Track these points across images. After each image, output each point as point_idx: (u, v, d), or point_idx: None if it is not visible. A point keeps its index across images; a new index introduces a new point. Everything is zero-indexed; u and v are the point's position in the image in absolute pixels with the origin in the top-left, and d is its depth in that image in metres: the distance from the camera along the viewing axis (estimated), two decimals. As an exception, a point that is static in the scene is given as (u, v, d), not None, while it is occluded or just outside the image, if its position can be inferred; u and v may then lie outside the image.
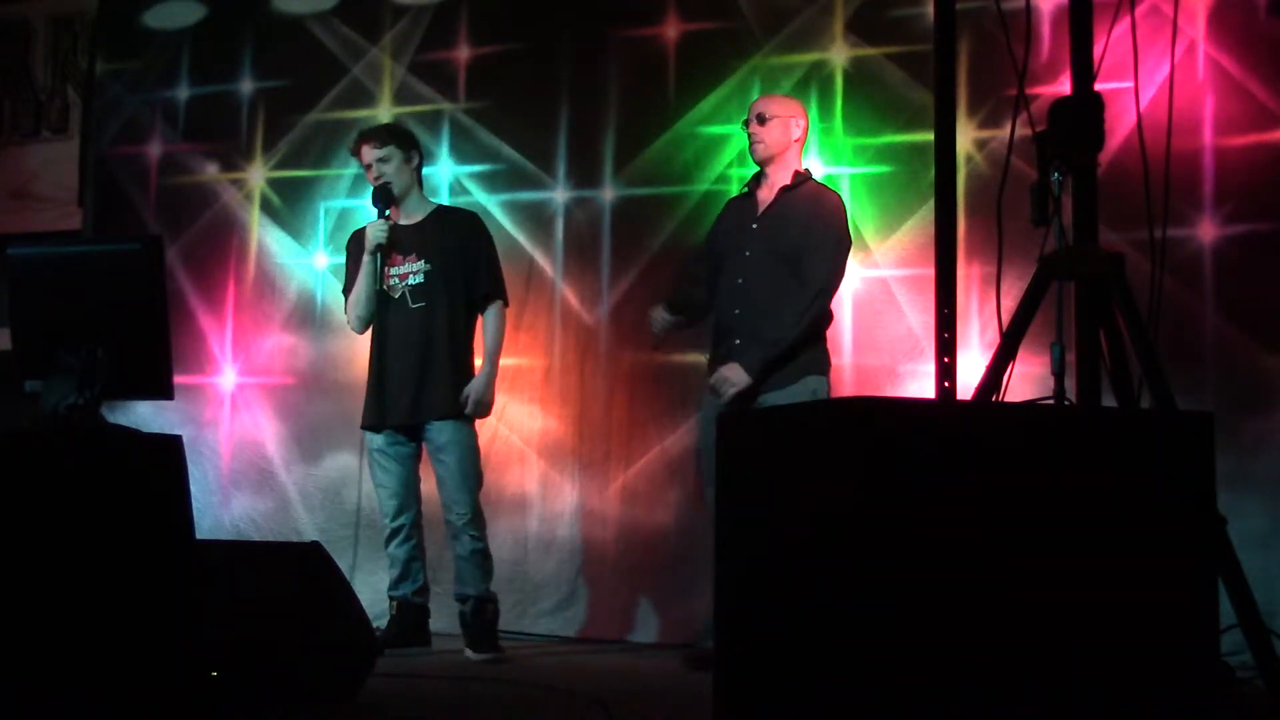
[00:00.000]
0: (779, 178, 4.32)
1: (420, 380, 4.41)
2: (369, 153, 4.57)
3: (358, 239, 4.62)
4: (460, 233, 4.58)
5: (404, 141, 4.61)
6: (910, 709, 2.00)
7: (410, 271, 4.49)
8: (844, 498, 2.07)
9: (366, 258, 4.48)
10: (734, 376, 4.12)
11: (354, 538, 5.28)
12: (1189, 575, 2.19)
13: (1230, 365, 4.35)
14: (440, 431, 4.41)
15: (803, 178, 4.33)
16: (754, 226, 4.30)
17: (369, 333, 4.58)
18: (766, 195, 4.33)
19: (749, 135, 4.36)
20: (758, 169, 4.40)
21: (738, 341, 4.22)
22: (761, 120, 4.31)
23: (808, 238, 4.19)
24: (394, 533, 4.47)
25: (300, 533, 5.31)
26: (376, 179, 4.55)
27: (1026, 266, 2.84)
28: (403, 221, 4.57)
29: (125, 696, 2.61)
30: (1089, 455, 2.17)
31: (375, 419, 4.47)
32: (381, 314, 4.48)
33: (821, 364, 4.25)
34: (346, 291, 4.63)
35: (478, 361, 4.53)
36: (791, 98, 4.59)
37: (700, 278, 4.48)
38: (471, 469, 4.44)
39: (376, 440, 4.48)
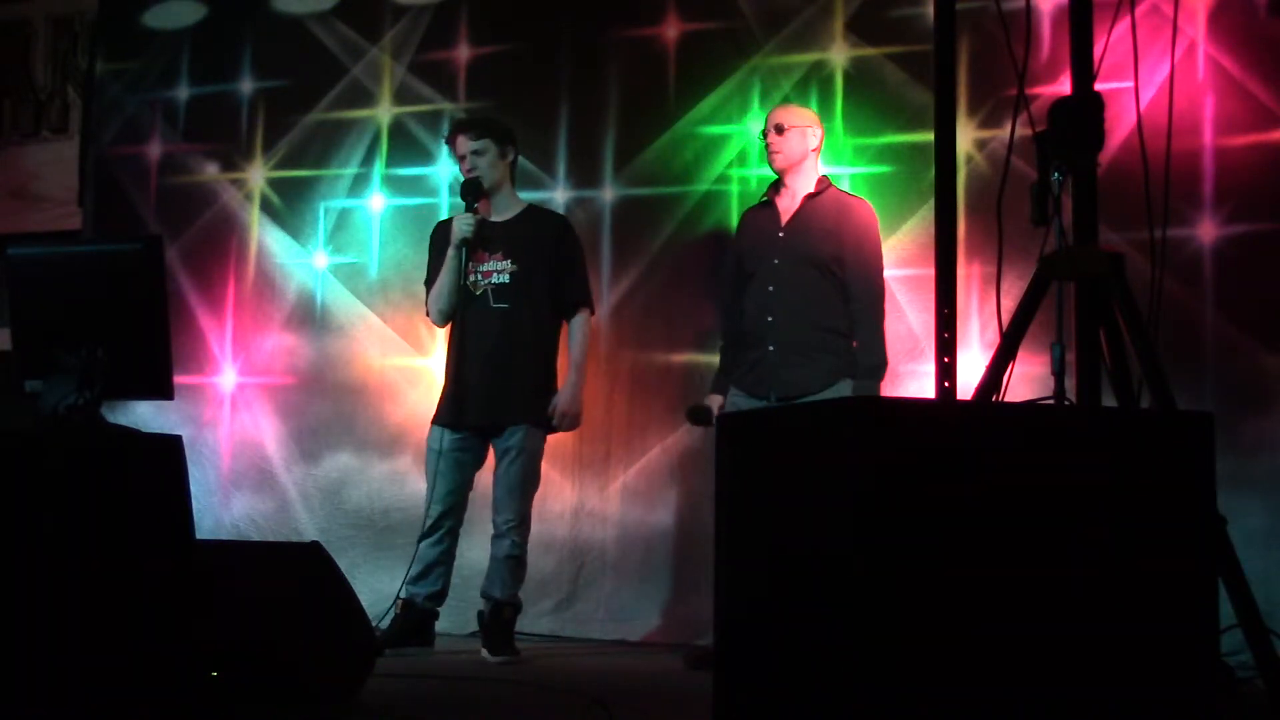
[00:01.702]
0: (800, 186, 4.37)
1: (499, 382, 4.35)
2: (464, 144, 4.49)
3: (443, 230, 4.55)
4: (550, 236, 4.51)
5: (501, 135, 4.52)
6: (910, 709, 2.00)
7: (495, 270, 4.42)
8: (843, 497, 2.07)
9: (451, 251, 4.41)
10: None
11: (354, 538, 5.28)
12: (1189, 575, 2.19)
13: (1230, 365, 4.35)
14: (512, 435, 4.36)
15: (826, 184, 4.38)
16: (780, 235, 4.33)
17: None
18: (789, 204, 4.37)
19: (766, 145, 4.39)
20: (775, 178, 4.44)
21: (771, 348, 4.25)
22: (779, 130, 4.34)
23: (845, 248, 4.24)
24: (431, 532, 4.40)
25: (300, 533, 5.30)
26: (469, 171, 4.47)
27: (1026, 266, 2.83)
28: (492, 218, 4.51)
29: (125, 697, 2.61)
30: (1089, 455, 2.17)
31: (452, 416, 4.41)
32: (461, 311, 4.41)
33: (852, 368, 4.26)
34: (429, 283, 4.55)
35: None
36: (807, 108, 4.61)
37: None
38: (532, 477, 4.40)
39: (443, 440, 4.40)
